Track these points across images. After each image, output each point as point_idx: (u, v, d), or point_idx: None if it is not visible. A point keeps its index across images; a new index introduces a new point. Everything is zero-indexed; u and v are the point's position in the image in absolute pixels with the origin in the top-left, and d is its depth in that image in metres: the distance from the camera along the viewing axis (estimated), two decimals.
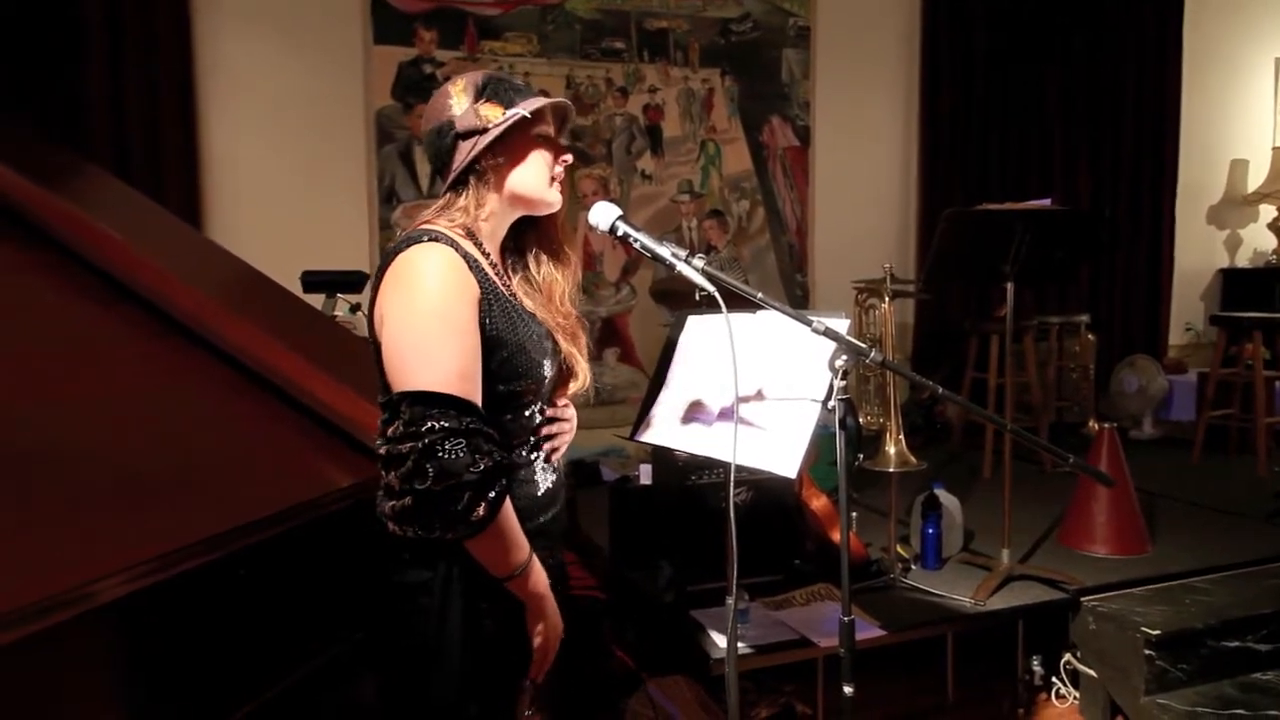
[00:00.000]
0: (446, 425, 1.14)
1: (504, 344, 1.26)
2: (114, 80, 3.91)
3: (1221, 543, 3.24)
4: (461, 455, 1.13)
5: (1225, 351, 4.55)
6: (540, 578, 1.29)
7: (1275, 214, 6.05)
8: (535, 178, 1.33)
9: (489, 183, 1.30)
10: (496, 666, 1.29)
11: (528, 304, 1.36)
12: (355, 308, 3.38)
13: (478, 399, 1.20)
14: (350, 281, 3.32)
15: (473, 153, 1.27)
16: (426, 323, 1.18)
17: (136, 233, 1.81)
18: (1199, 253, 6.11)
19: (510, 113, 1.27)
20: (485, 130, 1.27)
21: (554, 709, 1.45)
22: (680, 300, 3.03)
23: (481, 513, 1.15)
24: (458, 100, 1.30)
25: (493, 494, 1.16)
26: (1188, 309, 6.08)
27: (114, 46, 3.90)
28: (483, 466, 1.14)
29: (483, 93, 1.29)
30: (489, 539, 1.20)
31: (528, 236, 1.41)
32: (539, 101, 1.30)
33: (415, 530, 1.17)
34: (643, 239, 1.41)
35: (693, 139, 5.01)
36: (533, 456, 1.35)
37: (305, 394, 1.66)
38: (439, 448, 1.13)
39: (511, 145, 1.30)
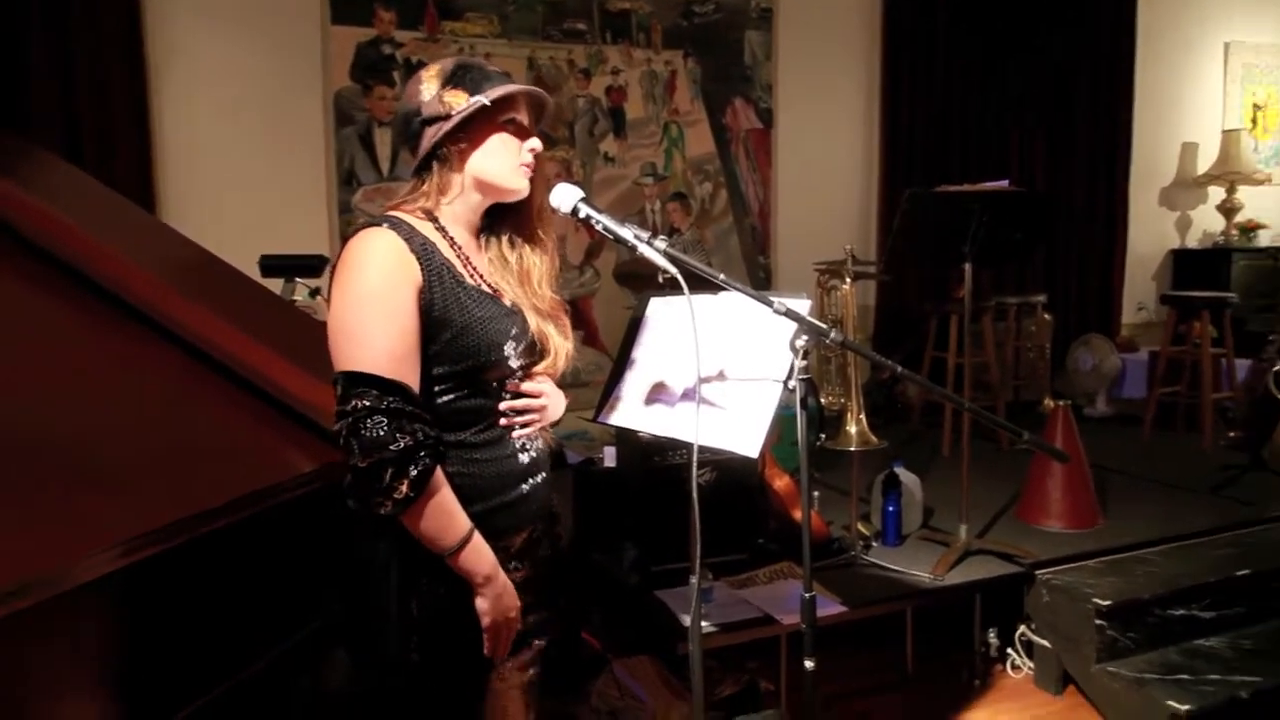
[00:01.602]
0: (368, 404, 1.19)
1: (449, 325, 1.28)
2: (61, 63, 3.80)
3: (1169, 515, 3.34)
4: (382, 433, 1.17)
5: (1175, 330, 4.68)
6: (480, 556, 1.30)
7: (1224, 196, 6.21)
8: (498, 164, 1.34)
9: (452, 167, 1.33)
10: (438, 643, 1.31)
11: (500, 285, 1.38)
12: (315, 292, 3.34)
13: (408, 379, 1.23)
14: (309, 265, 3.27)
15: (434, 139, 1.30)
16: (358, 306, 1.23)
17: (90, 218, 1.78)
18: (1151, 234, 6.25)
19: (472, 100, 1.29)
20: (448, 116, 1.29)
21: (549, 680, 1.49)
22: (644, 282, 3.04)
23: (405, 489, 1.19)
24: (427, 87, 1.32)
25: (415, 471, 1.20)
26: (1140, 289, 6.22)
27: (60, 28, 3.78)
28: (403, 444, 1.18)
29: (450, 79, 1.31)
30: (418, 515, 1.23)
31: (504, 221, 1.42)
32: (503, 89, 1.31)
33: (357, 505, 1.23)
34: (605, 221, 1.42)
35: (655, 121, 5.01)
36: (499, 434, 1.37)
37: (265, 379, 1.65)
38: (361, 425, 1.18)
39: (475, 131, 1.32)
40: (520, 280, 1.41)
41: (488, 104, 1.29)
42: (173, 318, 1.66)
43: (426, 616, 1.29)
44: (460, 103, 1.29)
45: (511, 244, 1.42)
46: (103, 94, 3.88)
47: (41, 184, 1.91)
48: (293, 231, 4.11)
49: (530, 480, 1.41)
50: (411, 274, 1.26)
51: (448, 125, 1.29)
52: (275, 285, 3.10)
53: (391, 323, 1.23)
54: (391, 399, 1.20)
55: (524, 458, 1.39)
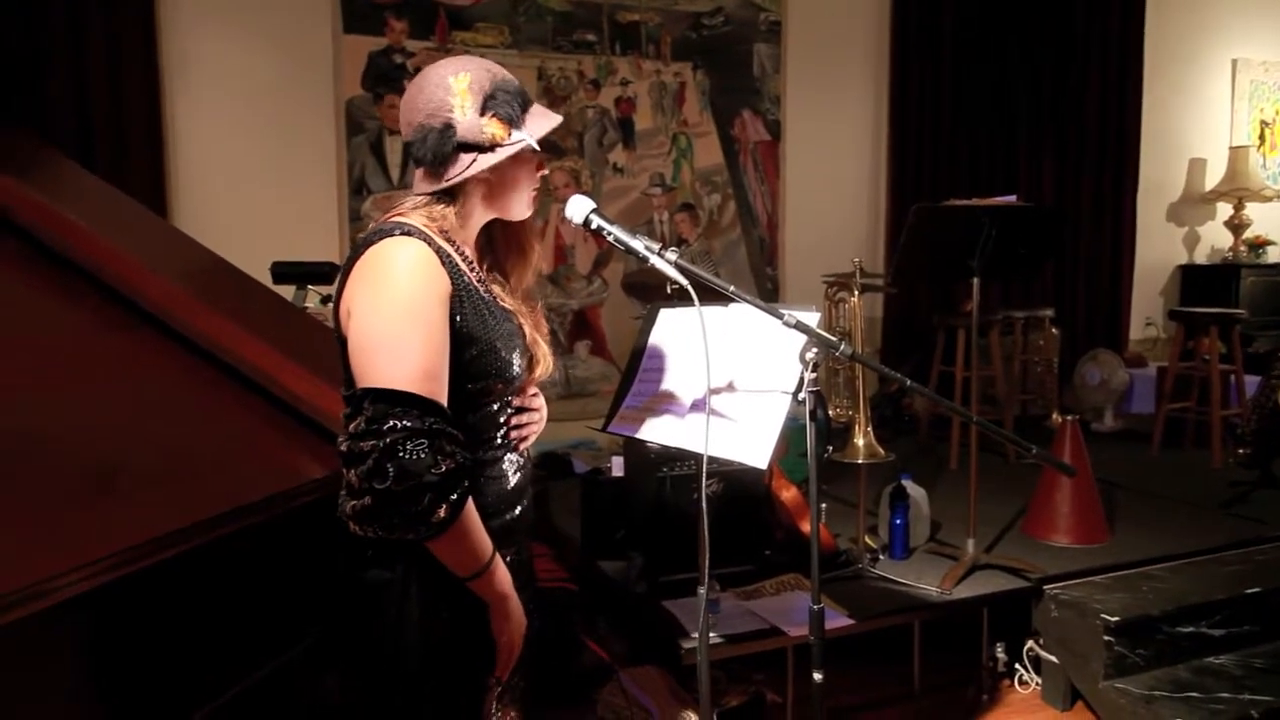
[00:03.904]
0: (409, 425, 1.12)
1: (475, 341, 1.25)
2: (77, 72, 3.84)
3: (1178, 532, 3.33)
4: (423, 456, 1.11)
5: (1183, 346, 4.66)
6: (503, 577, 1.29)
7: (1232, 212, 6.20)
8: (520, 194, 1.34)
9: (474, 196, 1.30)
10: (456, 668, 1.29)
11: (501, 298, 1.36)
12: (326, 299, 3.35)
13: (443, 398, 1.18)
14: (321, 273, 3.29)
15: (470, 169, 1.25)
16: (394, 318, 1.16)
17: (104, 223, 1.79)
18: (1159, 249, 6.25)
19: (517, 137, 1.26)
20: (490, 149, 1.25)
21: (526, 703, 1.46)
22: (652, 293, 3.05)
23: (443, 514, 1.14)
24: (460, 104, 1.25)
25: (455, 496, 1.15)
26: (1148, 304, 6.22)
27: (77, 38, 3.82)
28: (445, 468, 1.13)
29: (488, 105, 1.26)
30: (451, 540, 1.19)
31: (495, 231, 1.41)
32: (544, 127, 1.30)
33: (375, 530, 1.15)
34: (617, 232, 1.42)
35: (664, 132, 5.03)
36: (501, 453, 1.35)
37: (276, 385, 1.65)
38: (400, 448, 1.11)
39: (508, 163, 1.29)
40: (513, 290, 1.40)
41: (535, 148, 1.28)
42: (185, 322, 1.67)
43: (447, 643, 1.27)
44: (503, 136, 1.25)
45: (505, 255, 1.42)
46: (117, 101, 3.91)
47: (57, 188, 1.93)
48: (304, 239, 4.13)
49: (524, 500, 1.39)
50: (442, 286, 1.21)
51: (490, 160, 1.24)
52: (287, 292, 3.11)
53: (428, 337, 1.17)
54: (432, 420, 1.14)
55: (518, 478, 1.38)
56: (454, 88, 1.25)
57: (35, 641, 1.07)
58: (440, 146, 1.25)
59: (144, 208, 2.33)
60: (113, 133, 3.91)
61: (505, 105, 1.27)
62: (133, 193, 3.33)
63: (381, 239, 1.22)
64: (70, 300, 1.63)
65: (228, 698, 1.35)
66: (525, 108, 1.30)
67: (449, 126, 1.24)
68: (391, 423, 1.12)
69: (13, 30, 3.70)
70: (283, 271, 3.24)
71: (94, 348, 1.60)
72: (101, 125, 3.89)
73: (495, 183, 1.30)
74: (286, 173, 4.28)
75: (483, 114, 1.25)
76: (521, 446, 1.39)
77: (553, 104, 4.63)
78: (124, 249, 1.70)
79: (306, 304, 3.25)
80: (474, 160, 1.25)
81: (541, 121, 1.30)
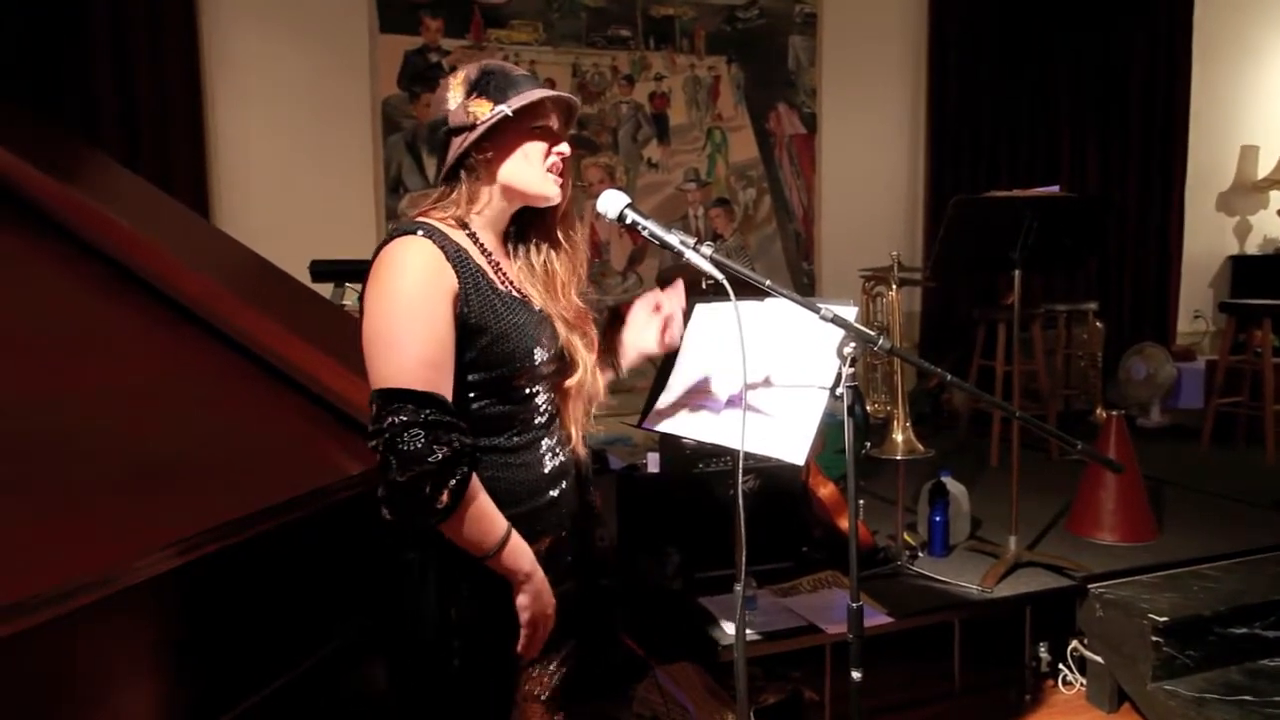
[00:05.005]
0: (404, 419, 1.18)
1: (485, 330, 1.28)
2: (121, 72, 3.93)
3: (1229, 530, 3.24)
4: (420, 446, 1.17)
5: (1234, 339, 4.54)
6: (520, 554, 1.30)
7: None
8: (527, 171, 1.34)
9: (480, 177, 1.33)
10: (481, 645, 1.32)
11: (528, 291, 1.37)
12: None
13: (441, 387, 1.23)
14: (358, 271, 3.27)
15: (460, 149, 1.30)
16: (391, 317, 1.22)
17: (146, 222, 1.82)
18: (1208, 239, 6.09)
19: (495, 110, 1.28)
20: (473, 127, 1.29)
21: (567, 686, 1.47)
22: (688, 288, 3.04)
23: (445, 499, 1.19)
24: (453, 95, 1.32)
25: (454, 481, 1.20)
26: (1196, 296, 6.06)
27: (120, 39, 3.93)
28: (441, 455, 1.18)
29: (475, 87, 1.31)
30: (458, 522, 1.23)
31: (530, 225, 1.42)
32: (526, 97, 1.30)
33: (396, 520, 1.22)
34: (651, 227, 1.42)
35: (699, 127, 5.00)
36: (533, 438, 1.36)
37: (314, 381, 1.67)
38: (399, 440, 1.17)
39: (502, 140, 1.31)
40: (546, 287, 1.40)
41: (510, 114, 1.28)
42: (227, 320, 1.70)
43: (467, 622, 1.30)
44: (484, 112, 1.28)
45: (537, 249, 1.42)
46: (160, 100, 4.01)
47: (101, 187, 1.96)
48: (342, 237, 4.18)
49: (557, 486, 1.41)
50: (448, 282, 1.25)
51: (472, 136, 1.29)
52: (325, 290, 3.15)
53: (428, 332, 1.22)
54: (428, 411, 1.19)
55: (551, 464, 1.39)
56: (450, 84, 1.33)
57: (98, 629, 1.10)
58: (434, 137, 1.33)
59: (184, 207, 2.37)
60: (156, 132, 4.00)
61: (491, 84, 1.31)
62: (175, 191, 3.40)
63: (392, 239, 1.29)
64: (115, 299, 1.66)
65: (269, 691, 1.37)
66: (517, 86, 1.31)
67: (442, 119, 1.32)
68: (389, 419, 1.18)
69: (56, 30, 3.79)
70: (321, 270, 3.28)
71: (139, 346, 1.63)
72: (144, 124, 3.98)
73: (497, 161, 1.32)
74: (324, 171, 4.33)
75: (468, 97, 1.30)
76: (667, 337, 1.50)
77: (587, 100, 4.63)
78: (165, 248, 1.73)
79: (345, 301, 3.28)
80: (462, 141, 1.30)
81: (528, 92, 1.30)
